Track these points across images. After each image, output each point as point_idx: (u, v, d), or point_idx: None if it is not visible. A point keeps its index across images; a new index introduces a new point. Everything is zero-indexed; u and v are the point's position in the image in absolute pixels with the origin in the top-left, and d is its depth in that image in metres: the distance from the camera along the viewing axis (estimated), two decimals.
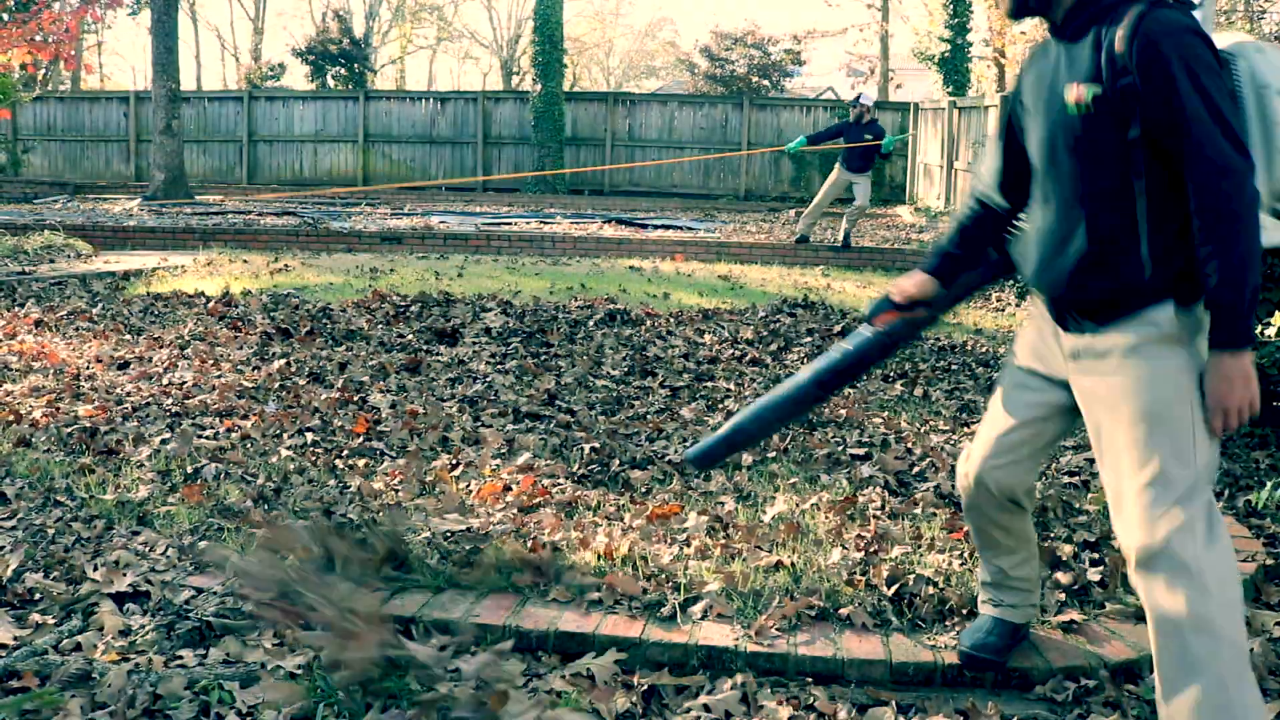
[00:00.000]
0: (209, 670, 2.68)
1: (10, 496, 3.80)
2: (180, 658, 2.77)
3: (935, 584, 3.19)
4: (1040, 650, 2.90)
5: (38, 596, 3.03)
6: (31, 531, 3.51)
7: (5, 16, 13.57)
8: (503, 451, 4.43)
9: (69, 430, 4.50)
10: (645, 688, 2.71)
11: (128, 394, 5.18)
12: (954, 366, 6.37)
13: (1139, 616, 3.08)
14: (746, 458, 4.37)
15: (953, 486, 4.07)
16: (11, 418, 4.68)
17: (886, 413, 5.23)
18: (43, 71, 18.57)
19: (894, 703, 2.70)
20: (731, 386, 5.64)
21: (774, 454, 4.48)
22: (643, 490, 4.00)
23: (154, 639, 2.84)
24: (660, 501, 3.84)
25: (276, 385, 5.39)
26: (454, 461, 4.29)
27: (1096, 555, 3.49)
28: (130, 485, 3.92)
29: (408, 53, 40.47)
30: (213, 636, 2.89)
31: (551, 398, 5.32)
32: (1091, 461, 4.46)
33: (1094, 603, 3.20)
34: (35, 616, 2.91)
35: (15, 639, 2.79)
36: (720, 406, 5.24)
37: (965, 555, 3.40)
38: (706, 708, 2.62)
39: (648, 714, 2.63)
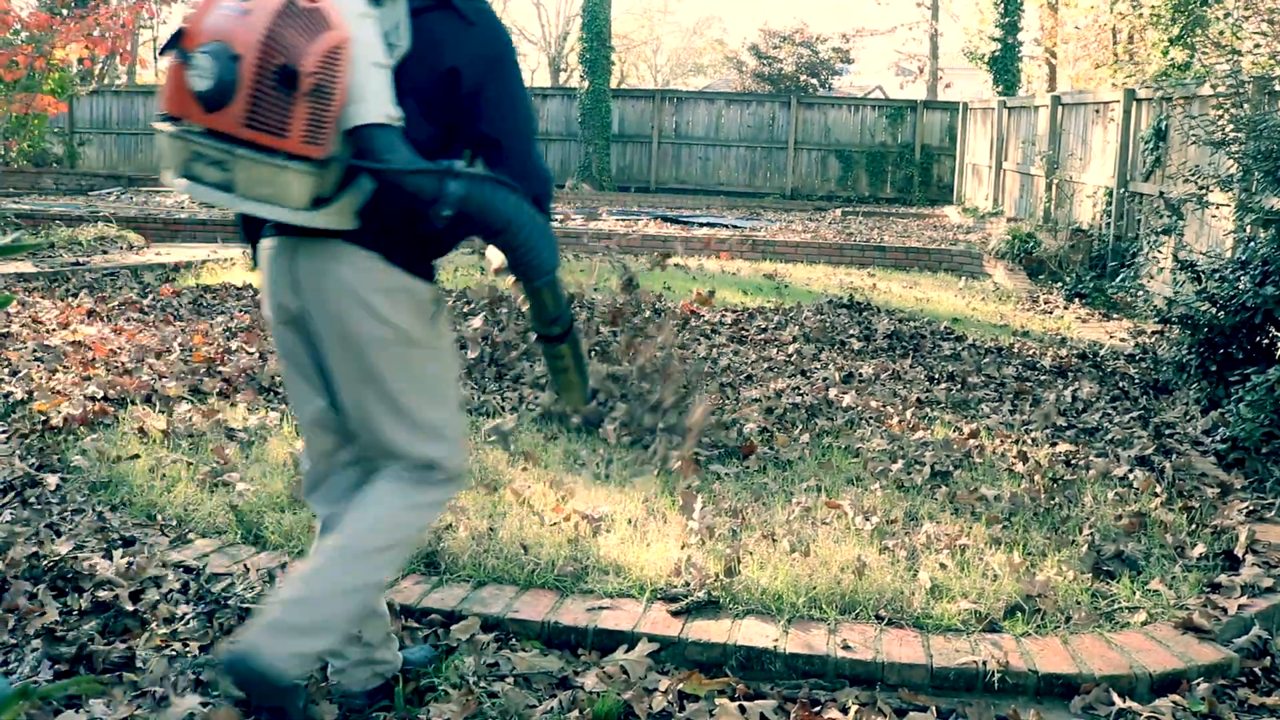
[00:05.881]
0: None
1: (58, 483, 3.86)
2: (221, 645, 2.80)
3: (971, 592, 3.15)
4: (1083, 658, 2.86)
5: (84, 584, 3.07)
6: (79, 518, 3.56)
7: (64, 12, 13.79)
8: (546, 445, 4.44)
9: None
10: (680, 687, 2.70)
11: None
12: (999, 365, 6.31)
13: (1186, 626, 3.03)
14: (788, 455, 4.35)
15: (995, 488, 4.03)
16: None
17: (932, 412, 5.18)
18: (99, 66, 18.81)
19: (934, 708, 2.68)
20: (783, 384, 5.62)
21: (803, 457, 4.46)
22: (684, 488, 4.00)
23: (196, 626, 2.87)
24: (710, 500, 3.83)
25: None
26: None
27: (1141, 563, 3.44)
28: (174, 474, 3.97)
29: None
30: None
31: (593, 393, 5.32)
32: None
33: (1138, 610, 3.15)
34: (82, 602, 2.95)
35: (63, 624, 2.83)
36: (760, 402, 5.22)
37: (1007, 559, 3.35)
38: (742, 710, 2.60)
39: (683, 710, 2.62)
